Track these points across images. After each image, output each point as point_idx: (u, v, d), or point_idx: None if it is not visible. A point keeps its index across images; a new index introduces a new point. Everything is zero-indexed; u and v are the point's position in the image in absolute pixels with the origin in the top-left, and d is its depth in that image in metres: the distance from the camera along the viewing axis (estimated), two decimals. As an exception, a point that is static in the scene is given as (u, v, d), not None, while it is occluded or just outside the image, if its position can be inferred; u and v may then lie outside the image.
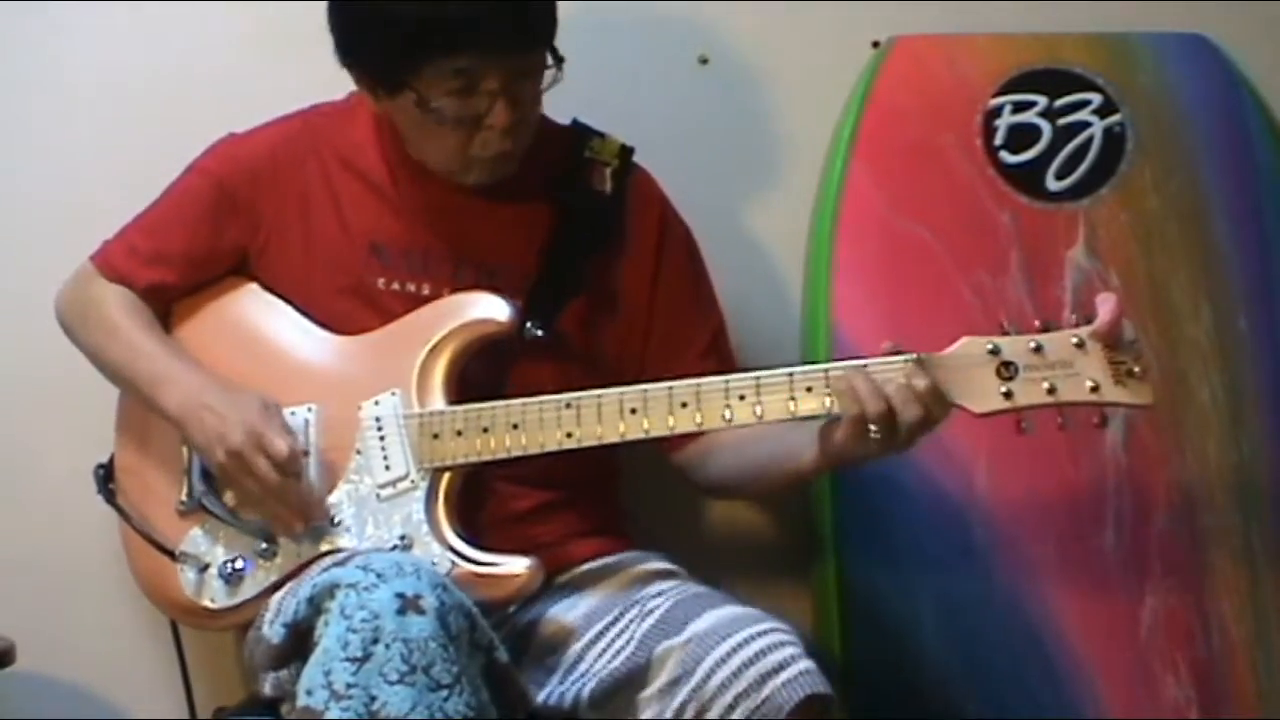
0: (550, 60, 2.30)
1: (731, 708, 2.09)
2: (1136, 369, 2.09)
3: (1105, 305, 2.09)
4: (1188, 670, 2.67)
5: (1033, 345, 2.11)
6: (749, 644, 2.12)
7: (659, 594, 2.28)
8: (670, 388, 2.20)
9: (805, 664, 2.11)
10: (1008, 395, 2.11)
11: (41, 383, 2.72)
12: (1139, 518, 2.68)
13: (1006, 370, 2.12)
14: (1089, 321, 2.10)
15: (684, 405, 2.20)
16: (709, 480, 2.46)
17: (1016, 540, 2.67)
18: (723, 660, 2.11)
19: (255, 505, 2.31)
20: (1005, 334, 2.13)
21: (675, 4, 2.82)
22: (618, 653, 2.21)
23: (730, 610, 2.19)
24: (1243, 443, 2.71)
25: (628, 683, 2.19)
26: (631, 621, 2.24)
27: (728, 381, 2.19)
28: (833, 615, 2.67)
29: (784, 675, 2.10)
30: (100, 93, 2.76)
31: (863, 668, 2.66)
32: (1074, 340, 2.10)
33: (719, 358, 2.49)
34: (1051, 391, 2.10)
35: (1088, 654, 2.66)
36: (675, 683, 2.14)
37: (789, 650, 2.12)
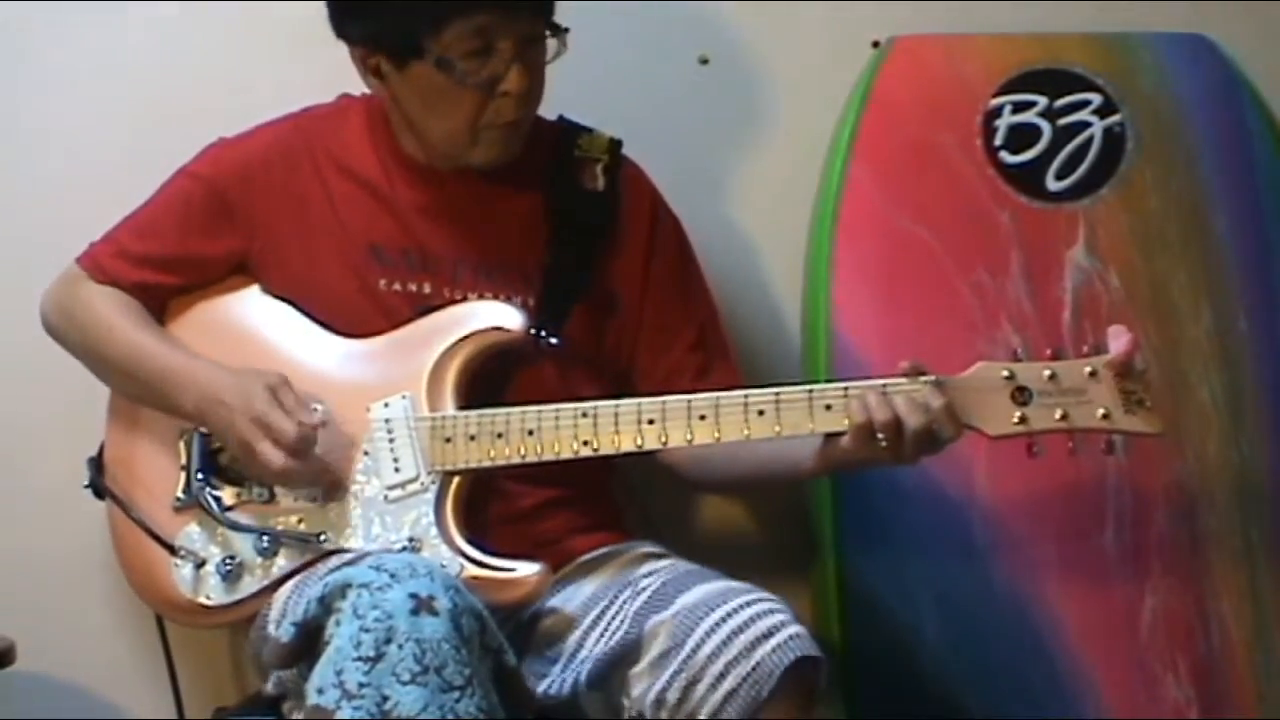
0: (552, 32, 2.32)
1: (722, 676, 2.10)
2: (1147, 399, 2.18)
3: (1119, 339, 2.16)
4: (1188, 670, 2.67)
5: (1048, 373, 2.19)
6: (737, 613, 2.13)
7: (650, 573, 2.29)
8: (689, 400, 2.23)
9: (794, 629, 2.13)
10: (1022, 420, 2.19)
11: (38, 382, 2.71)
12: (1139, 518, 2.68)
13: (1021, 395, 2.19)
14: (1099, 351, 2.18)
15: (702, 418, 2.22)
16: (701, 481, 2.48)
17: (1017, 540, 2.67)
18: (712, 630, 2.13)
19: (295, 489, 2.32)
20: (1019, 360, 2.20)
21: (675, 4, 2.82)
22: (613, 634, 2.23)
23: (719, 584, 2.21)
24: (1243, 443, 2.72)
25: (621, 660, 2.20)
26: (625, 602, 2.25)
27: (747, 396, 2.21)
28: (833, 615, 2.67)
29: (773, 641, 2.11)
30: (95, 93, 2.76)
31: (863, 668, 2.65)
32: (1087, 369, 2.18)
33: (708, 350, 2.49)
34: (1064, 418, 2.19)
35: (1088, 654, 2.66)
36: (665, 655, 2.15)
37: (778, 617, 2.13)
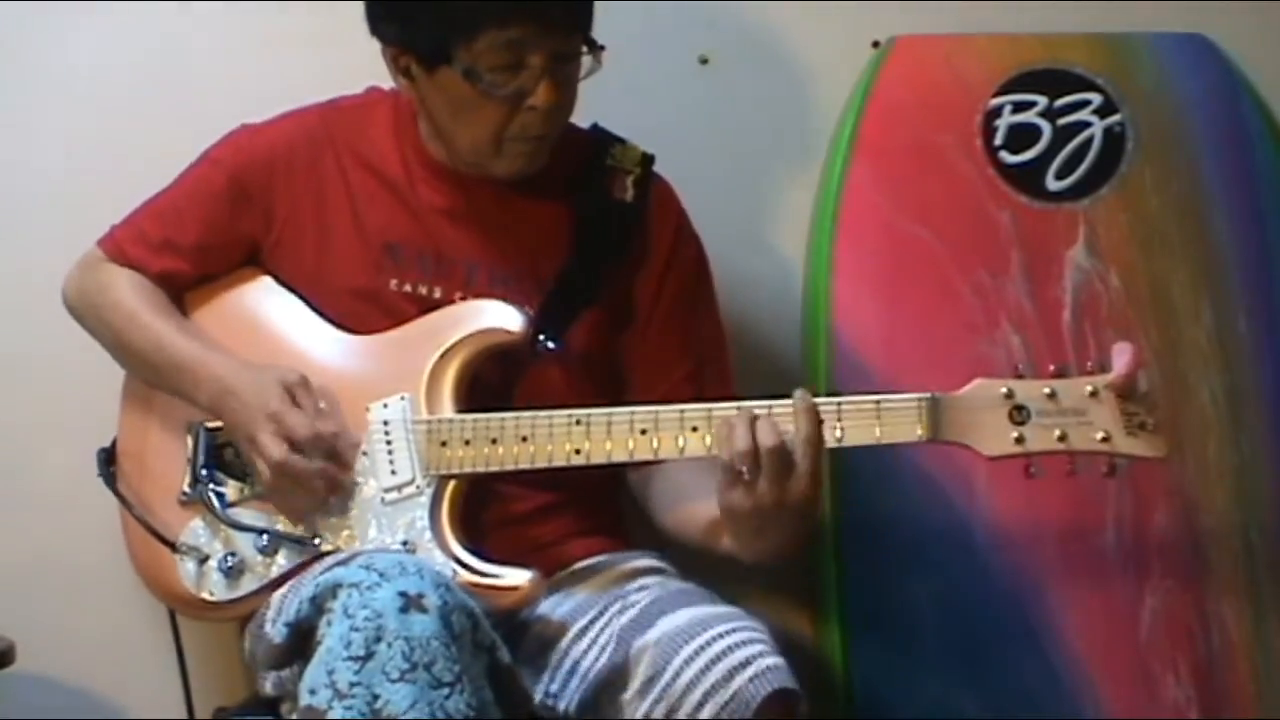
0: (587, 49, 2.31)
1: (700, 705, 2.09)
2: (1149, 421, 2.10)
3: (1122, 357, 2.10)
4: (1188, 670, 2.67)
5: (1047, 391, 2.11)
6: (716, 641, 2.12)
7: (641, 589, 2.29)
8: (682, 410, 2.20)
9: (772, 660, 2.11)
10: (1019, 440, 2.12)
11: (42, 380, 2.72)
12: (1139, 518, 2.68)
13: (1019, 414, 2.12)
14: (1104, 369, 2.11)
15: (694, 429, 2.19)
16: (648, 510, 2.44)
17: (1017, 541, 2.67)
18: (691, 658, 2.11)
19: (289, 492, 2.30)
20: (1020, 377, 2.14)
21: (675, 4, 2.82)
22: (601, 649, 2.22)
23: (704, 609, 2.20)
24: (1243, 443, 2.71)
25: (609, 683, 2.19)
26: (613, 616, 2.24)
27: (739, 407, 2.17)
28: (833, 616, 2.68)
29: (751, 670, 2.09)
30: (104, 84, 2.76)
31: (863, 668, 2.66)
32: (1088, 389, 2.10)
33: (703, 386, 2.42)
34: (1063, 439, 2.11)
35: (1088, 654, 2.66)
36: (649, 682, 2.14)
37: (756, 647, 2.12)
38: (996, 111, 2.75)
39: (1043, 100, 2.76)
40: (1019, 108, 2.76)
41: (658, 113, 2.78)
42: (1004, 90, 2.76)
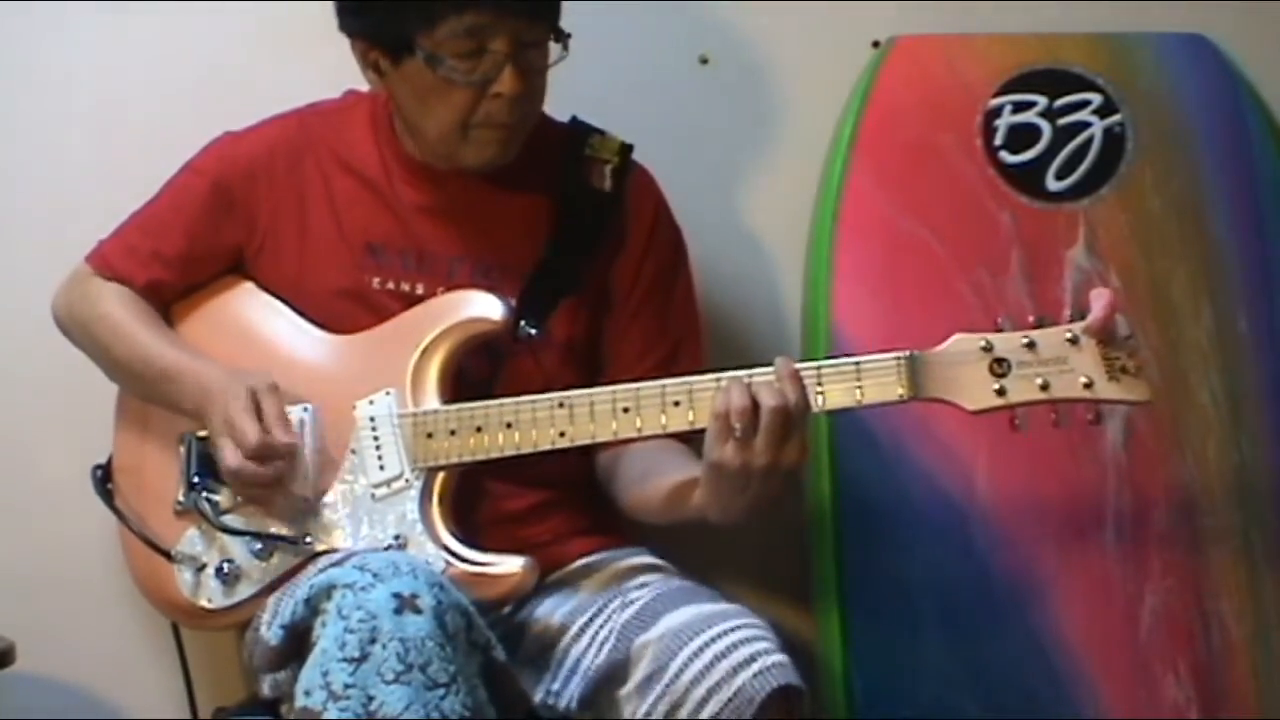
0: (555, 38, 2.30)
1: (704, 701, 2.10)
2: (1131, 365, 2.07)
3: (1099, 301, 2.07)
4: (1188, 670, 2.67)
5: (1025, 341, 2.09)
6: (721, 639, 2.12)
7: (641, 586, 2.29)
8: (663, 385, 2.20)
9: (777, 657, 2.12)
10: (1000, 392, 2.09)
11: (41, 383, 2.72)
12: (1139, 518, 2.68)
13: (999, 367, 2.10)
14: (1084, 317, 2.08)
15: (676, 404, 2.19)
16: (614, 493, 2.44)
17: (1016, 540, 2.67)
18: (695, 655, 2.12)
19: (251, 495, 2.31)
20: (999, 330, 2.11)
21: (675, 4, 2.82)
22: (601, 645, 2.22)
23: (707, 607, 2.20)
24: (1243, 443, 2.71)
25: (609, 679, 2.19)
26: (613, 613, 2.25)
27: (719, 379, 2.16)
28: (833, 615, 2.67)
29: (755, 667, 2.10)
30: (96, 92, 2.77)
31: (863, 668, 2.66)
32: (1067, 336, 2.08)
33: (675, 370, 2.38)
34: (1045, 388, 2.08)
35: (1088, 654, 2.66)
36: (650, 679, 2.14)
37: (761, 644, 2.12)
38: (996, 111, 2.75)
39: (1043, 100, 2.76)
40: (1019, 108, 2.76)
41: (658, 113, 2.79)
42: (1004, 90, 2.76)
